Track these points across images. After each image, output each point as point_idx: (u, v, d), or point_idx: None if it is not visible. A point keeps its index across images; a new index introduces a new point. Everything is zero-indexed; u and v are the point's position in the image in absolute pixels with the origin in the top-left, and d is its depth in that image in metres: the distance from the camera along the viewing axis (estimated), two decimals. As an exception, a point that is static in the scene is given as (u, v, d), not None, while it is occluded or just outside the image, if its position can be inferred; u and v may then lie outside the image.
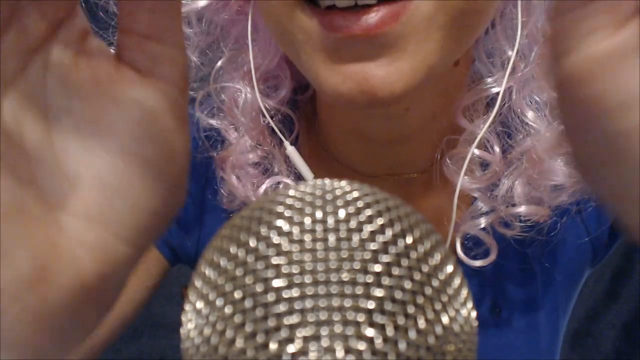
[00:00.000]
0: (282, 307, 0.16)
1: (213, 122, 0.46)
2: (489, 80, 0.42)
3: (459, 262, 0.44)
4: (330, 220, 0.17)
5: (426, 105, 0.42)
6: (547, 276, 0.48)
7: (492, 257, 0.43)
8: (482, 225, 0.43)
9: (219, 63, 0.46)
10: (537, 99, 0.42)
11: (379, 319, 0.16)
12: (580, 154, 0.20)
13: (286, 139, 0.45)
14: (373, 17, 0.32)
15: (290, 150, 0.44)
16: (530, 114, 0.42)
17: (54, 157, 0.20)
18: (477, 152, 0.42)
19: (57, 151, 0.20)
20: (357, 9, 0.32)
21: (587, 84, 0.18)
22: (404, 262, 0.16)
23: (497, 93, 0.41)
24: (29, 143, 0.19)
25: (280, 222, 0.17)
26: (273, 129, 0.45)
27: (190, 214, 0.50)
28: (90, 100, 0.20)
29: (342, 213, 0.17)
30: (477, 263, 0.44)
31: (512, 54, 0.40)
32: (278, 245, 0.16)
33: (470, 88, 0.43)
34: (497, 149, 0.43)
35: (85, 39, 0.21)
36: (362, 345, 0.15)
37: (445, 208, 0.46)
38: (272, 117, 0.45)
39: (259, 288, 0.16)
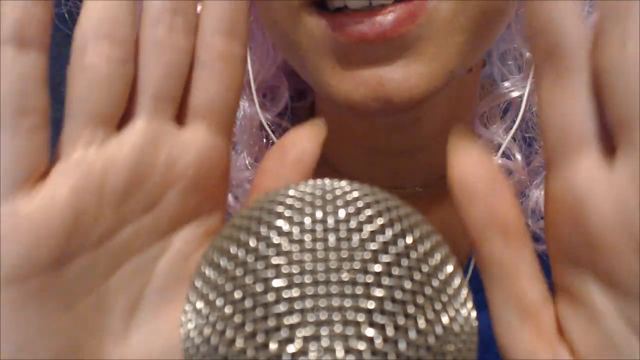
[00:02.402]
0: (282, 307, 0.16)
1: None
2: (506, 84, 0.40)
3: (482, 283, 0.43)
4: (330, 220, 0.17)
5: (439, 115, 0.40)
6: None
7: None
8: None
9: None
10: None
11: (379, 319, 0.16)
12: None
13: None
14: (388, 18, 0.30)
15: None
16: None
17: (127, 325, 0.22)
18: (499, 161, 0.41)
19: (132, 324, 0.22)
20: (369, 9, 0.30)
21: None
22: (404, 262, 0.16)
23: (515, 97, 0.39)
24: (118, 313, 0.22)
25: (280, 222, 0.17)
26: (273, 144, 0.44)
27: None
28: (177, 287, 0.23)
29: (342, 213, 0.17)
30: None
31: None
32: (278, 245, 0.16)
33: (484, 93, 0.42)
34: (518, 156, 0.41)
35: (209, 237, 0.23)
36: (362, 345, 0.15)
37: (454, 224, 0.45)
38: (273, 133, 0.44)
39: (259, 288, 0.16)
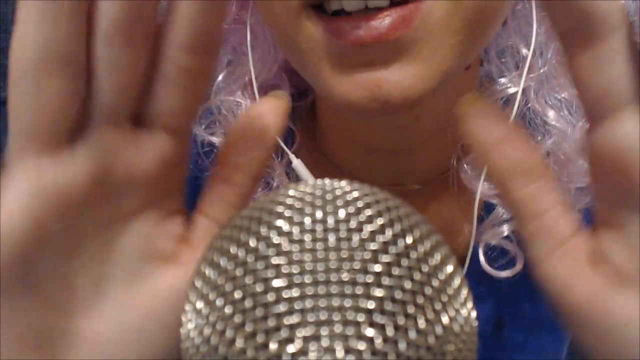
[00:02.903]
0: (282, 307, 0.16)
1: (213, 139, 0.45)
2: (503, 80, 0.41)
3: (483, 275, 0.43)
4: (330, 220, 0.17)
5: (438, 114, 0.40)
6: None
7: (519, 266, 0.41)
8: (505, 233, 0.42)
9: (220, 77, 0.44)
10: (558, 97, 0.41)
11: (379, 319, 0.16)
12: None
13: (290, 152, 0.44)
14: (384, 22, 0.30)
15: (297, 163, 0.43)
16: (551, 114, 0.41)
17: (95, 301, 0.22)
18: None
19: (101, 299, 0.22)
20: (366, 12, 0.31)
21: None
22: (404, 262, 0.16)
23: (513, 94, 0.40)
24: (84, 290, 0.22)
25: (280, 222, 0.17)
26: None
27: None
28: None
29: (342, 213, 0.17)
30: (504, 274, 0.42)
31: (527, 52, 0.39)
32: (278, 245, 0.16)
33: (482, 90, 0.42)
34: None
35: (167, 218, 0.24)
36: (362, 345, 0.15)
37: (454, 220, 0.45)
38: None
39: (259, 288, 0.16)
